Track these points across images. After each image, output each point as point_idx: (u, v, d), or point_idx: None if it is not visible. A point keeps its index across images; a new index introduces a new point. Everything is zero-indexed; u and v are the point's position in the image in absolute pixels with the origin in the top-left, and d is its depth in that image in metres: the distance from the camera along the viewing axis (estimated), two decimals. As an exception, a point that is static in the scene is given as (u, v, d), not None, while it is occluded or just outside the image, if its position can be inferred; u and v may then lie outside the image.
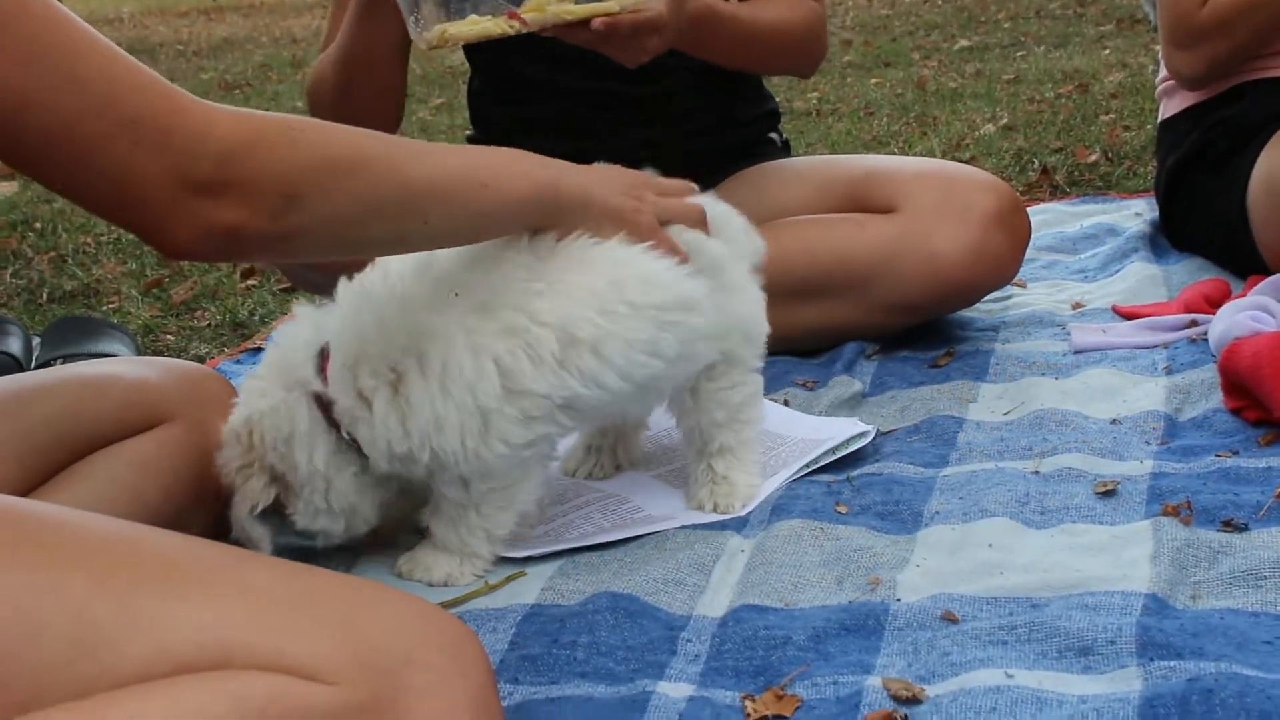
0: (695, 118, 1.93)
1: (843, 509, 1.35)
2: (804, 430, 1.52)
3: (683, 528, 1.35)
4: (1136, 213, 2.34)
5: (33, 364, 1.97)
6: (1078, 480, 1.36)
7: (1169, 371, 1.64)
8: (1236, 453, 1.39)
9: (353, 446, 1.24)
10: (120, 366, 1.32)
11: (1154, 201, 2.23)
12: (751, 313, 1.39)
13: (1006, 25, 5.52)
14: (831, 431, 1.50)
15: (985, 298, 1.87)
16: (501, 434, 1.22)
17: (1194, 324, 1.75)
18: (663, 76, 1.85)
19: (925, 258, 1.72)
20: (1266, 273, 1.80)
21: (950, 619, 1.13)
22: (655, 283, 1.27)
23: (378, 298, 1.25)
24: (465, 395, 1.21)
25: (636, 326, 1.25)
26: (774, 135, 2.05)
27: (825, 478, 1.43)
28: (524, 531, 1.34)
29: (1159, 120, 2.16)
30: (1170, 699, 0.97)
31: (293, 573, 0.90)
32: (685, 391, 1.37)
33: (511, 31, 1.49)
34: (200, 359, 2.13)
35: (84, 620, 0.81)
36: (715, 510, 1.37)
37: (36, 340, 2.05)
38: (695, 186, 1.39)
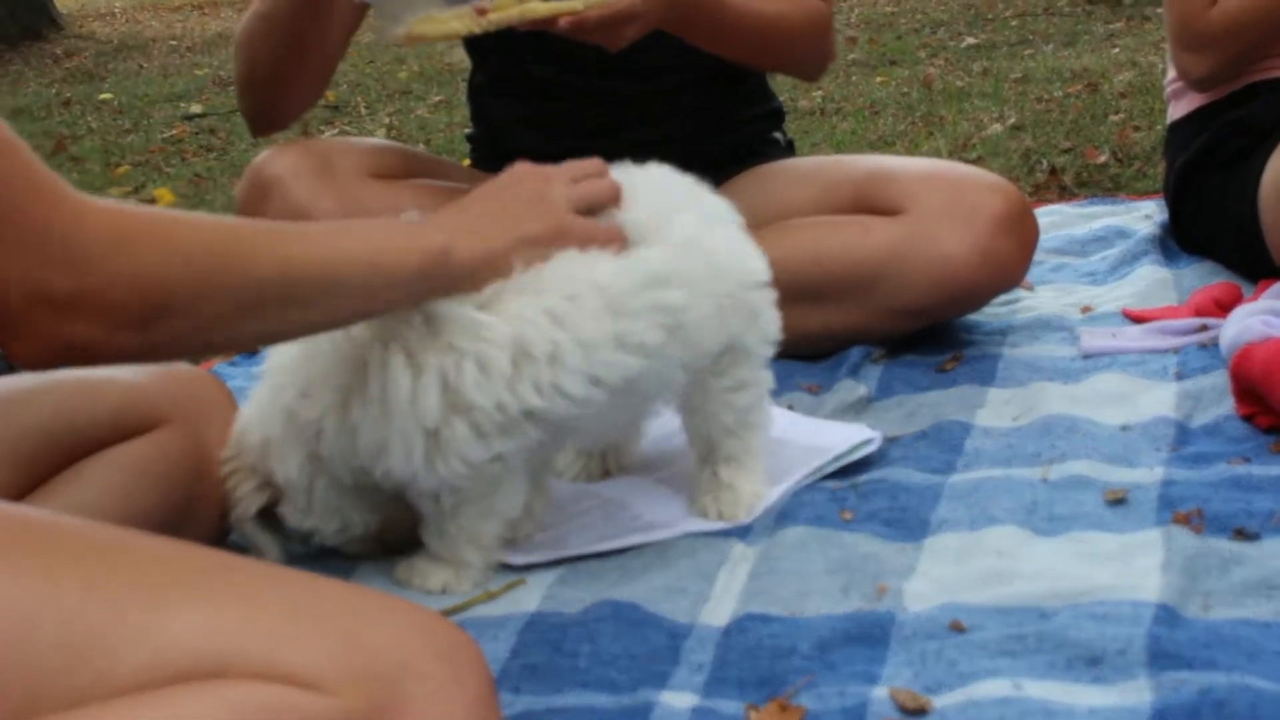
0: (698, 117, 1.91)
1: (848, 516, 1.33)
2: (809, 435, 1.50)
3: (685, 535, 1.33)
4: (1146, 215, 2.32)
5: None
6: (1087, 487, 1.35)
7: (1179, 377, 1.63)
8: (1248, 460, 1.37)
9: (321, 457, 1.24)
10: (114, 370, 1.31)
11: (1164, 203, 2.21)
12: (746, 266, 1.31)
13: (1014, 23, 5.50)
14: (836, 438, 1.48)
15: (992, 301, 1.85)
16: (458, 453, 1.18)
17: (1205, 328, 1.74)
18: (666, 75, 1.84)
19: (932, 261, 1.71)
20: (1278, 276, 1.78)
21: (957, 628, 1.11)
22: (604, 278, 1.20)
23: None
24: (406, 416, 1.16)
25: (592, 326, 1.19)
26: (778, 135, 2.03)
27: (830, 484, 1.41)
28: (523, 538, 1.33)
29: (1168, 121, 2.14)
30: (1181, 711, 0.96)
31: (289, 580, 0.89)
32: (692, 391, 1.34)
33: (478, 30, 1.48)
34: (195, 361, 2.11)
35: (78, 627, 0.80)
36: (719, 518, 1.35)
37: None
38: (602, 164, 1.30)
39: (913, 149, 3.23)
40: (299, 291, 1.03)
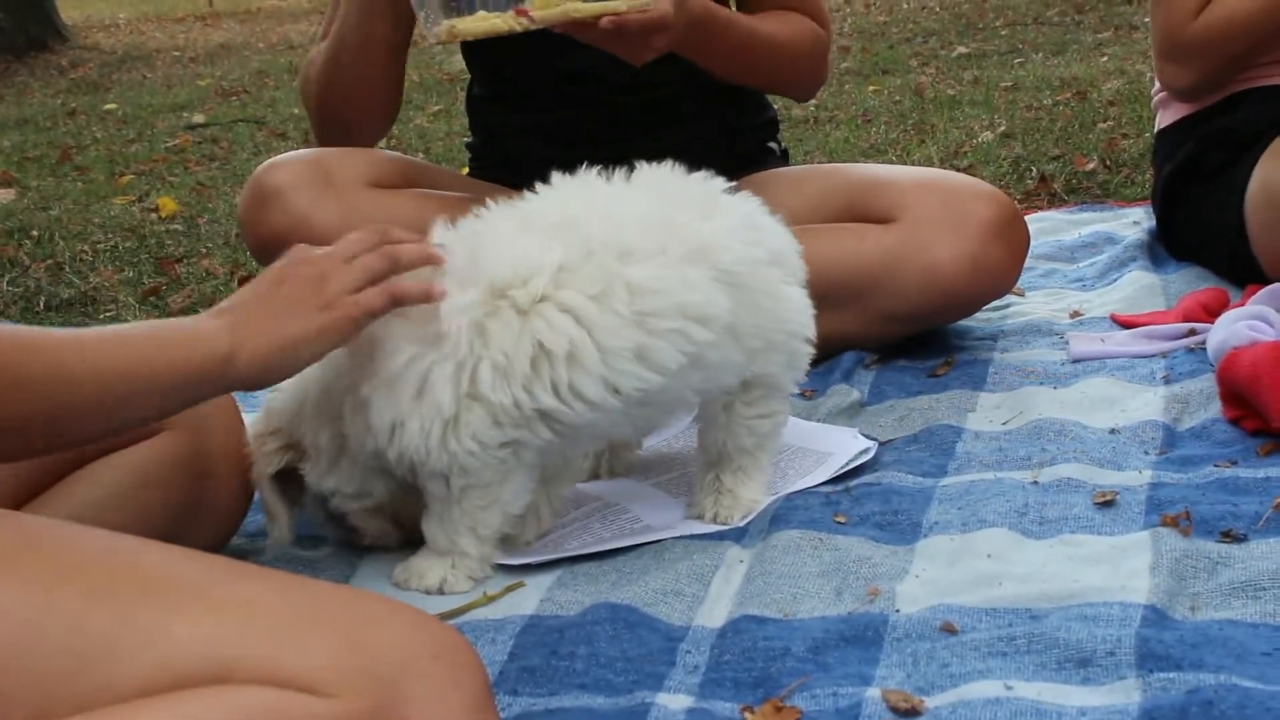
0: (695, 126, 1.93)
1: (841, 519, 1.35)
2: (802, 438, 1.52)
3: (681, 538, 1.34)
4: (1135, 221, 2.34)
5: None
6: (1076, 490, 1.36)
7: (1167, 381, 1.64)
8: (1235, 463, 1.39)
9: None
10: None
11: (1151, 210, 2.23)
12: (794, 328, 1.36)
13: (1004, 32, 5.53)
14: (832, 443, 1.50)
15: (984, 307, 1.87)
16: (473, 431, 1.22)
17: (1192, 333, 1.75)
18: (663, 85, 1.85)
19: (924, 268, 1.72)
20: (1264, 282, 1.80)
21: (949, 630, 1.13)
22: (649, 288, 1.23)
23: None
24: (428, 401, 1.21)
25: (621, 334, 1.22)
26: (773, 144, 2.05)
27: (824, 488, 1.43)
28: (523, 544, 1.34)
29: (1155, 130, 2.16)
30: (1169, 711, 0.97)
31: (291, 585, 0.90)
32: (718, 408, 1.36)
33: (520, 28, 1.49)
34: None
35: (84, 633, 0.81)
36: (715, 520, 1.37)
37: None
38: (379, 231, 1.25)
39: (905, 157, 3.24)
40: (83, 407, 1.01)
